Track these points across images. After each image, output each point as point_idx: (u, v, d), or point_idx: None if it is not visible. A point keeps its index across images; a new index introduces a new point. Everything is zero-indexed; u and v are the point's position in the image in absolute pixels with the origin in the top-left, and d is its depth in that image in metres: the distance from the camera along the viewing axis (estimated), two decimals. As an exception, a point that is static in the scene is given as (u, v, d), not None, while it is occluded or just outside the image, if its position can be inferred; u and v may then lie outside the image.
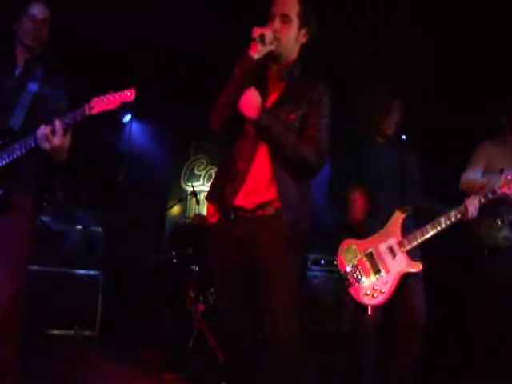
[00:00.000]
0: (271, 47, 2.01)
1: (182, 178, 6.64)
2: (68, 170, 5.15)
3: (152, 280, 5.04)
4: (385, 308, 2.60)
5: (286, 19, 2.06)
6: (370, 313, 2.53)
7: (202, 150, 6.75)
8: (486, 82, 4.51)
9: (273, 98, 2.09)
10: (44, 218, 4.67)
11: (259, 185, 2.02)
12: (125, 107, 3.45)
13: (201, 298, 4.12)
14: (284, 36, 2.05)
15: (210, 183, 2.30)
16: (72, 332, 4.47)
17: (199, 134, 6.51)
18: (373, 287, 2.57)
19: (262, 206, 2.01)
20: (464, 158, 3.41)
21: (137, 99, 3.16)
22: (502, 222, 3.09)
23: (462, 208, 2.63)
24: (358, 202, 2.68)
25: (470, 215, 2.61)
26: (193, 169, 6.71)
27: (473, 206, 2.62)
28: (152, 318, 4.56)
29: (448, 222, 2.62)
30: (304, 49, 2.17)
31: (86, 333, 4.40)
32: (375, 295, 2.55)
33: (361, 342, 2.64)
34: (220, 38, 4.61)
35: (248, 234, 2.00)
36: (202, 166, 6.74)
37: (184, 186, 6.62)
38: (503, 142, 3.32)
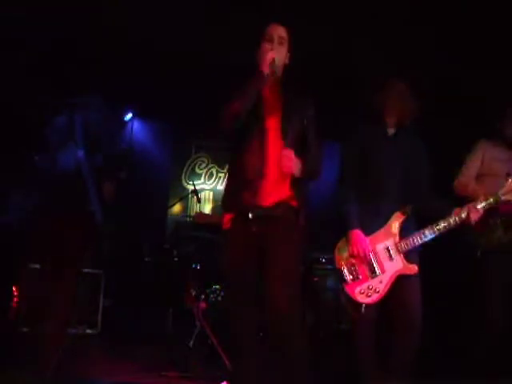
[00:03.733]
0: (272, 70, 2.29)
1: (182, 176, 6.66)
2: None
3: (153, 278, 5.05)
4: (381, 308, 2.62)
5: (282, 41, 2.37)
6: (363, 311, 2.56)
7: (202, 148, 6.76)
8: (486, 82, 4.51)
9: (275, 117, 2.32)
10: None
11: (275, 186, 2.24)
12: (126, 106, 3.46)
13: (202, 296, 4.13)
14: (280, 57, 2.35)
15: (223, 196, 2.42)
16: (73, 330, 4.50)
17: (200, 133, 6.53)
18: (367, 286, 2.59)
19: (279, 203, 2.24)
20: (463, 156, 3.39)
21: (138, 98, 3.17)
22: (496, 222, 3.08)
23: (462, 215, 2.63)
24: None
25: (472, 222, 2.63)
26: (194, 167, 6.73)
27: (476, 214, 2.63)
28: (153, 316, 4.58)
29: (447, 228, 2.62)
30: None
31: (88, 331, 4.42)
32: (369, 294, 2.57)
33: (357, 342, 2.65)
34: (220, 38, 4.62)
35: (263, 228, 2.20)
36: (203, 165, 6.75)
37: (185, 184, 6.64)
38: (501, 142, 3.29)
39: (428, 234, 2.62)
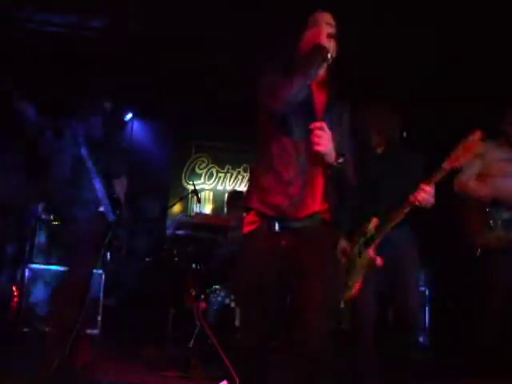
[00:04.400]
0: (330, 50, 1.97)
1: (183, 176, 6.66)
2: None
3: (153, 278, 5.05)
4: (379, 307, 2.65)
5: (331, 28, 2.01)
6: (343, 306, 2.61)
7: (202, 148, 6.77)
8: (486, 82, 4.51)
9: (320, 105, 2.01)
10: (45, 217, 4.69)
11: (312, 196, 1.95)
12: (126, 106, 3.47)
13: (202, 296, 4.14)
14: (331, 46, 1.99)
15: (248, 188, 2.10)
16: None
17: (200, 133, 6.53)
18: (346, 282, 2.65)
19: (311, 215, 1.96)
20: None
21: (138, 98, 3.18)
22: (495, 222, 3.08)
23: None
24: None
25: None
26: (194, 167, 6.73)
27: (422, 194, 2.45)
28: (153, 317, 4.57)
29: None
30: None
31: (88, 331, 4.41)
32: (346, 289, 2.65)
33: (357, 342, 2.69)
34: (220, 38, 4.62)
35: (292, 240, 1.94)
36: (203, 165, 6.76)
37: (185, 184, 6.64)
38: (503, 142, 3.28)
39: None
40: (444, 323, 4.71)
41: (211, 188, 6.75)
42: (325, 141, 1.85)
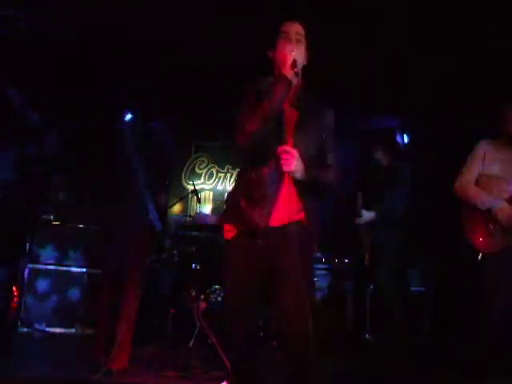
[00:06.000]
0: (297, 70, 2.08)
1: (182, 176, 6.66)
2: (70, 171, 5.18)
3: (153, 278, 5.05)
4: None
5: (300, 38, 2.15)
6: None
7: (202, 149, 6.76)
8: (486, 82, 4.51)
9: (290, 128, 2.11)
10: (45, 217, 4.69)
11: (288, 207, 2.09)
12: (125, 106, 3.50)
13: (202, 296, 4.13)
14: (300, 57, 2.12)
15: (227, 210, 2.29)
16: (73, 330, 4.50)
17: (200, 133, 6.53)
18: None
19: (289, 224, 2.09)
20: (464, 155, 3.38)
21: (137, 98, 3.21)
22: (495, 227, 3.07)
23: None
24: None
25: None
26: (194, 167, 6.73)
27: None
28: (153, 317, 4.57)
29: None
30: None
31: (88, 331, 4.42)
32: None
33: None
34: (220, 38, 4.62)
35: (272, 244, 2.07)
36: (203, 165, 6.75)
37: (185, 184, 6.64)
38: (502, 142, 3.26)
39: None
40: (444, 323, 4.71)
41: (211, 188, 6.75)
42: (291, 161, 1.99)
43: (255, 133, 2.02)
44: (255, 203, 2.09)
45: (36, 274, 4.54)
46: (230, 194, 2.36)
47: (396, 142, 4.68)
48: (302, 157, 2.04)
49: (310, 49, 2.19)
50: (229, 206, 2.28)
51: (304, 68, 2.18)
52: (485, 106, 4.01)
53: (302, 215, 2.11)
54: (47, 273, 4.58)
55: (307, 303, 2.04)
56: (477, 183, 3.21)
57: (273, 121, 2.03)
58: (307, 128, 2.14)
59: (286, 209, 2.09)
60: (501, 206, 3.05)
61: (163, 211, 3.41)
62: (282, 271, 2.04)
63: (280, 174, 2.06)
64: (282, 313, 2.05)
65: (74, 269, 4.66)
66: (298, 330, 2.00)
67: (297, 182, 2.09)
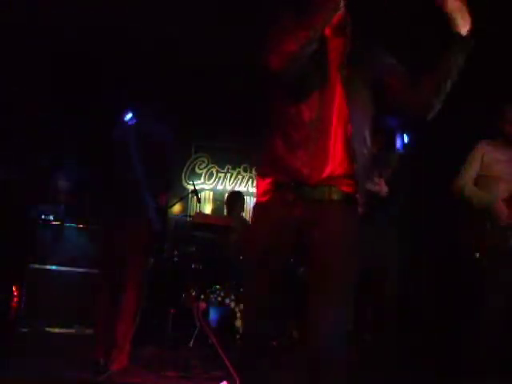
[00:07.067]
0: None
1: (183, 176, 6.66)
2: (70, 170, 5.18)
3: (153, 278, 5.05)
4: None
5: None
6: None
7: (202, 148, 6.77)
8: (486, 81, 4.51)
9: (335, 61, 1.80)
10: (46, 217, 4.69)
11: (328, 158, 1.74)
12: (126, 106, 3.52)
13: (202, 296, 4.13)
14: None
15: (262, 159, 1.88)
16: (73, 330, 4.50)
17: (200, 133, 6.53)
18: None
19: (329, 184, 1.75)
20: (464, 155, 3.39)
21: (137, 98, 3.22)
22: (493, 228, 3.07)
23: None
24: None
25: None
26: (194, 167, 6.73)
27: None
28: (153, 317, 4.57)
29: None
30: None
31: (88, 331, 4.41)
32: None
33: None
34: (220, 38, 4.62)
35: (307, 215, 1.74)
36: (203, 165, 6.76)
37: (185, 184, 6.64)
38: (502, 142, 3.26)
39: None
40: (443, 323, 4.71)
41: (211, 188, 6.75)
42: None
43: (294, 53, 1.65)
44: (294, 146, 1.74)
45: (36, 273, 4.54)
46: (264, 140, 1.90)
47: (396, 142, 4.68)
48: (358, 102, 1.75)
49: None
50: (263, 156, 1.87)
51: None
52: (485, 106, 4.01)
53: (345, 171, 1.75)
54: (47, 273, 4.58)
55: (345, 326, 1.71)
56: (476, 183, 3.22)
57: (315, 44, 1.67)
58: (360, 58, 1.79)
59: (326, 159, 1.73)
60: (497, 205, 3.06)
61: (163, 211, 3.39)
62: (320, 264, 1.71)
63: (324, 115, 1.73)
64: (311, 334, 1.69)
65: (73, 269, 4.66)
66: (328, 356, 1.66)
67: (358, 122, 1.78)
